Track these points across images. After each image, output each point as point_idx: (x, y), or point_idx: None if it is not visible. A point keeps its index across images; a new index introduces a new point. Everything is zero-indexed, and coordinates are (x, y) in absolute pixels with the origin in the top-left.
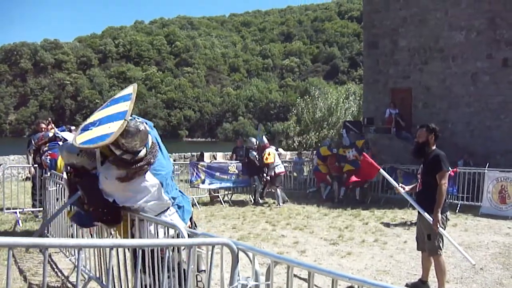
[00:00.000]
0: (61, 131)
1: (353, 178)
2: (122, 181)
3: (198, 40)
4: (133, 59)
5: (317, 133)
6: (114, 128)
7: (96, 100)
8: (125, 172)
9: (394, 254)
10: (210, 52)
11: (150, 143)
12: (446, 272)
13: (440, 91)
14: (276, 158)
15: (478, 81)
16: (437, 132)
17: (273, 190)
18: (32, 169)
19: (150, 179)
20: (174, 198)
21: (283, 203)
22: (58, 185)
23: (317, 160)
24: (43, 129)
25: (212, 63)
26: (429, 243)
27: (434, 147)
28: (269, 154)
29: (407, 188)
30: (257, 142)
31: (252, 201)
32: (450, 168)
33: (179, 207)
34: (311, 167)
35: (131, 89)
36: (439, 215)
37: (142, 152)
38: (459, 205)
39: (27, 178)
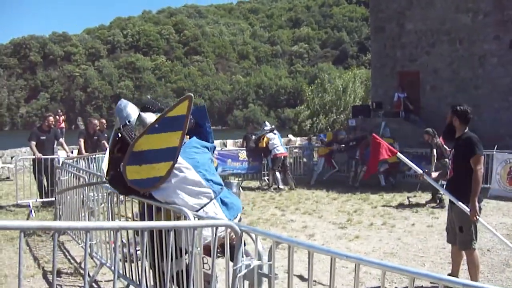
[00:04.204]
0: None
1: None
2: None
3: (206, 28)
4: (142, 49)
5: (326, 117)
6: (162, 171)
7: (106, 91)
8: None
9: (402, 237)
10: (219, 40)
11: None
12: (479, 266)
13: (447, 74)
14: (275, 140)
15: (485, 63)
16: (466, 114)
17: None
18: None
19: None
20: (215, 190)
21: (292, 188)
22: (70, 174)
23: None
24: (51, 122)
25: (221, 51)
26: (461, 235)
27: (466, 130)
28: (263, 139)
29: (434, 174)
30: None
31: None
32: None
33: (223, 202)
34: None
35: (185, 108)
36: (477, 204)
37: None
38: None
39: None
